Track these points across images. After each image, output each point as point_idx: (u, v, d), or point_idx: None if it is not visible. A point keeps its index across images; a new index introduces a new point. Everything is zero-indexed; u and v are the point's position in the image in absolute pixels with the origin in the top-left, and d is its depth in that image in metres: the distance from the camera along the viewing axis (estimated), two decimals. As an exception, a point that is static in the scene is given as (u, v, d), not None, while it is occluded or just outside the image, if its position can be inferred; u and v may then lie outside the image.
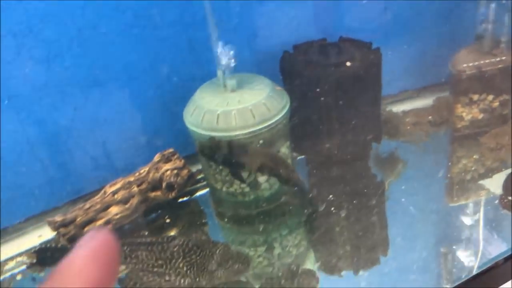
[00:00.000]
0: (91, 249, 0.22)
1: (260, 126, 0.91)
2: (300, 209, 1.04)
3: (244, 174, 0.94)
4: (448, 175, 1.08)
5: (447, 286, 0.81)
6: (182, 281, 0.82)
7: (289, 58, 1.06)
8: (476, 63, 1.07)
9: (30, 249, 1.03)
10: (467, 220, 0.96)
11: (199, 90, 0.98)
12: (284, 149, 0.97)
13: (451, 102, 1.16)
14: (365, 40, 1.06)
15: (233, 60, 0.90)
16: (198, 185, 1.10)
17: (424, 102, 1.28)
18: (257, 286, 0.85)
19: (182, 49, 1.04)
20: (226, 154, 0.89)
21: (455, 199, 1.02)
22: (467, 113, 1.13)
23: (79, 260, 0.22)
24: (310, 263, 0.91)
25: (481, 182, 1.03)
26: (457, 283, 0.82)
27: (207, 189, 1.08)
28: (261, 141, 0.92)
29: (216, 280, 0.81)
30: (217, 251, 0.83)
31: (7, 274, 0.98)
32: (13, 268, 0.99)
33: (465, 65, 1.08)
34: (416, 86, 1.29)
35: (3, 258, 1.01)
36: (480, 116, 1.14)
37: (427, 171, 1.10)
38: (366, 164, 1.12)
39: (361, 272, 0.86)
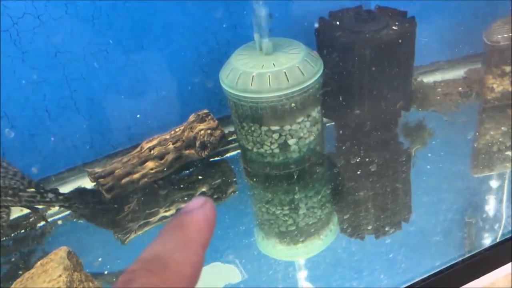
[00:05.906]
0: (205, 213, 0.26)
1: (293, 89, 0.93)
2: (326, 173, 1.07)
3: (275, 135, 0.98)
4: (475, 145, 1.09)
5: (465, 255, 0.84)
6: None
7: (325, 24, 1.07)
8: (511, 34, 1.07)
9: (71, 198, 1.10)
10: (490, 191, 0.97)
11: (235, 53, 1.00)
12: (314, 114, 1.00)
13: (482, 74, 1.16)
14: (401, 9, 1.07)
15: (269, 21, 0.92)
16: (229, 146, 1.15)
17: (456, 73, 1.28)
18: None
19: (220, 13, 1.07)
20: None
21: (480, 169, 1.03)
22: (498, 85, 1.13)
23: (198, 218, 0.26)
24: (333, 225, 0.95)
25: (507, 153, 1.04)
26: (473, 252, 0.84)
27: (237, 151, 1.13)
28: (293, 105, 0.95)
29: None
30: None
31: (49, 219, 1.05)
32: (55, 214, 1.06)
33: (499, 36, 1.08)
34: (449, 58, 1.28)
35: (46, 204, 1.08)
36: (511, 88, 1.13)
37: (454, 141, 1.11)
38: (394, 131, 1.13)
39: (382, 236, 0.89)
